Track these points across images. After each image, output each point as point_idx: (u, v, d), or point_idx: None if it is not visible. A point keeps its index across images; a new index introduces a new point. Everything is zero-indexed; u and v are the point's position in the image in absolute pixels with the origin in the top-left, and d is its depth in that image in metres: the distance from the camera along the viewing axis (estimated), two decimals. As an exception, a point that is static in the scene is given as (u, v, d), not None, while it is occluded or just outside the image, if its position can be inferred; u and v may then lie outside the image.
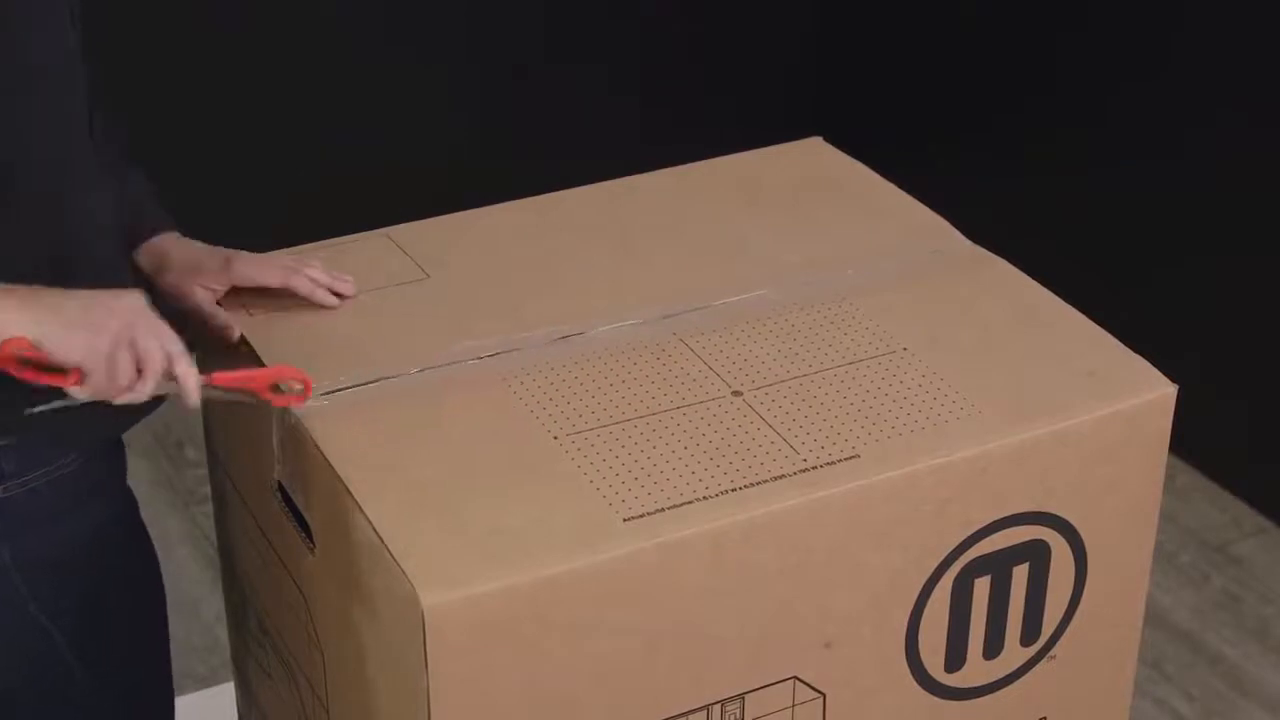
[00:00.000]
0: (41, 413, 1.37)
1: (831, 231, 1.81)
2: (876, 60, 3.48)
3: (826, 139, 2.05)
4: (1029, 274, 1.73)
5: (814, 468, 1.44)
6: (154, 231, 1.65)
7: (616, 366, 1.58)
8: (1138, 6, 2.85)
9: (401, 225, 1.81)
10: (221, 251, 1.65)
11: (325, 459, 1.45)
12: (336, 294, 1.65)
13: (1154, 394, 1.57)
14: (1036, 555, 1.54)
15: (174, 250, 1.64)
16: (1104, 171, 2.97)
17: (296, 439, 1.51)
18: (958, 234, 1.82)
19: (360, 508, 1.40)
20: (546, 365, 1.58)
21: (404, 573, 1.33)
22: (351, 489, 1.42)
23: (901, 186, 1.93)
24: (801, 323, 1.65)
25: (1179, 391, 1.57)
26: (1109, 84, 2.94)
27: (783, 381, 1.56)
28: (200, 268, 1.63)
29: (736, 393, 1.54)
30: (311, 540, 1.53)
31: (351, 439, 1.47)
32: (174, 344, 1.38)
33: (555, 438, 1.48)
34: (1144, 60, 2.87)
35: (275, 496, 1.58)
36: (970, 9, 3.22)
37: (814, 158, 2.00)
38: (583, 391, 1.54)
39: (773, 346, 1.61)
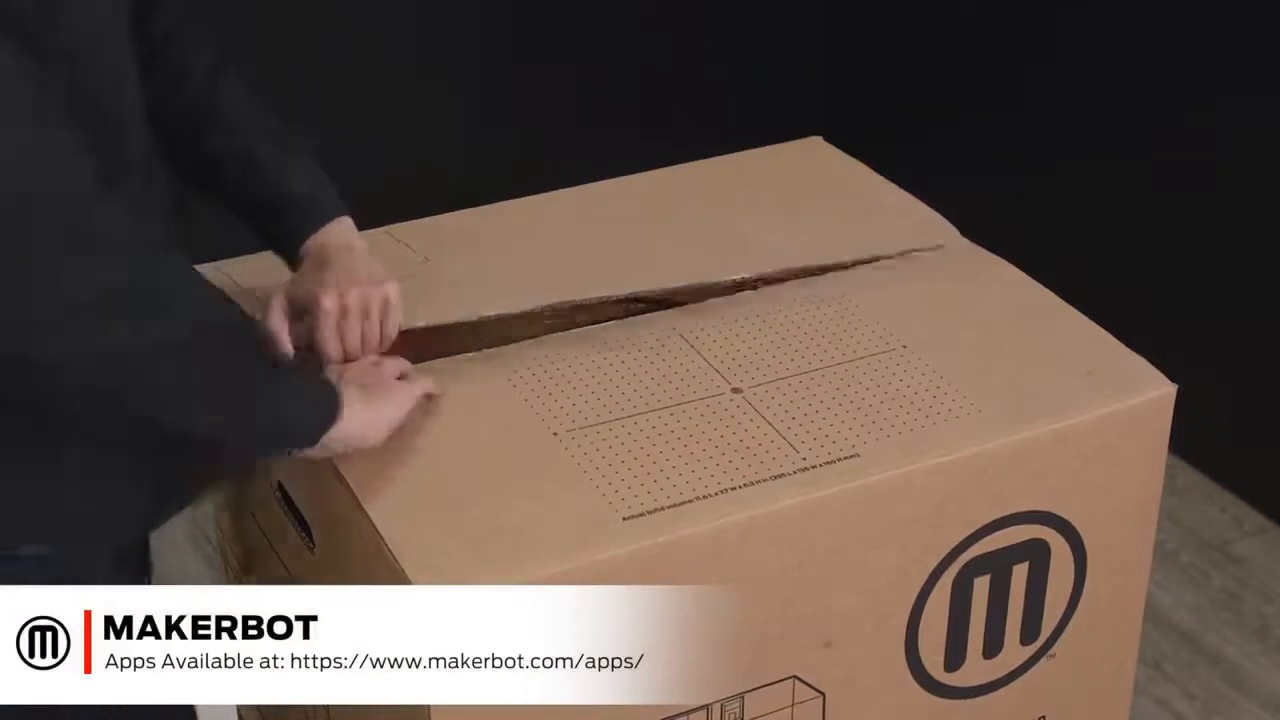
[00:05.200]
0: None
1: (831, 230, 1.81)
2: (876, 60, 3.48)
3: (826, 139, 2.05)
4: (1029, 274, 1.73)
5: (814, 466, 1.44)
6: (327, 218, 1.54)
7: (616, 361, 1.58)
8: (1138, 4, 2.85)
9: (401, 224, 1.81)
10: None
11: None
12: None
13: (1154, 393, 1.56)
14: (1036, 554, 1.54)
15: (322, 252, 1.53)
16: (1104, 171, 2.97)
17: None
18: (957, 233, 1.82)
19: (360, 505, 1.39)
20: (546, 359, 1.58)
21: (404, 571, 1.33)
22: (351, 485, 1.41)
23: (901, 186, 1.93)
24: (801, 319, 1.65)
25: (1179, 391, 1.57)
26: (1109, 83, 2.94)
27: (782, 379, 1.56)
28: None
29: (736, 390, 1.54)
30: (311, 540, 1.53)
31: None
32: None
33: (555, 434, 1.48)
34: (1144, 60, 2.87)
35: (275, 496, 1.58)
36: (970, 8, 3.21)
37: (814, 157, 2.00)
38: (582, 387, 1.54)
39: (771, 343, 1.61)
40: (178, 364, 1.26)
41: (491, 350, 1.59)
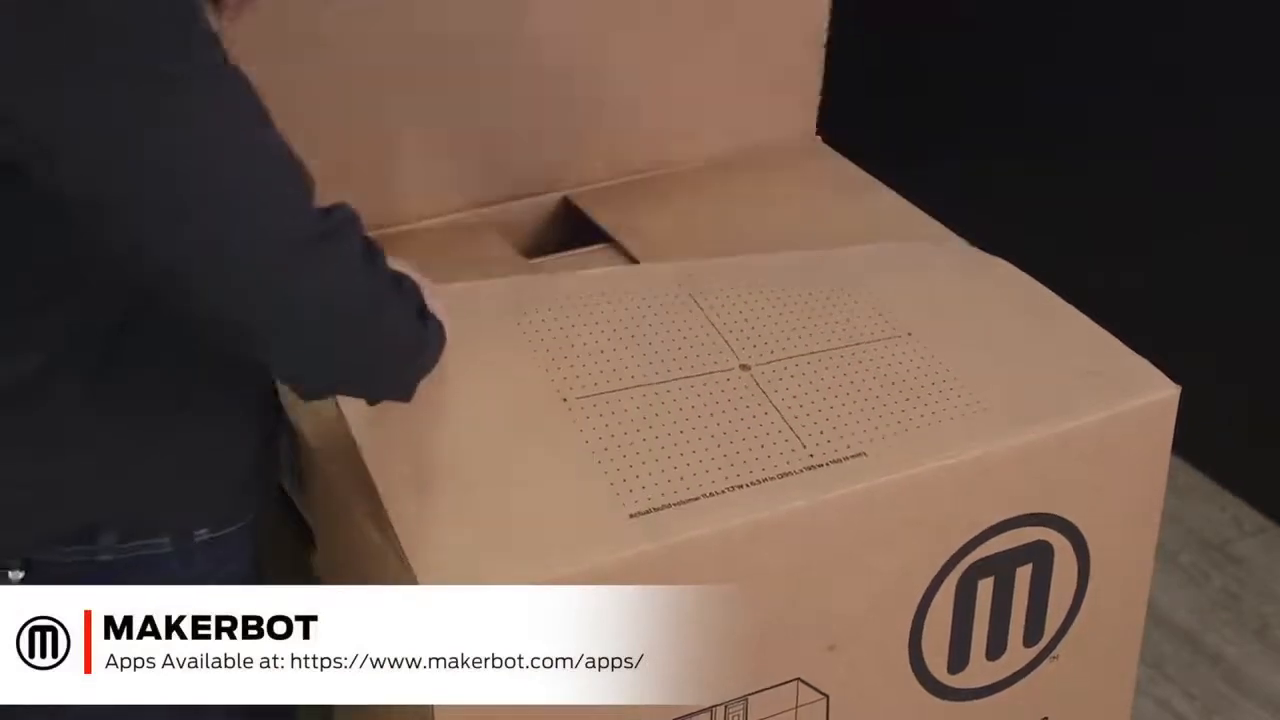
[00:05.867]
0: None
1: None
2: (876, 61, 3.48)
3: (826, 139, 2.04)
4: (1029, 274, 1.73)
5: (821, 465, 1.43)
6: None
7: (626, 317, 1.56)
8: (1138, 5, 2.84)
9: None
10: None
11: (347, 428, 1.43)
12: None
13: (1157, 395, 1.56)
14: (1040, 556, 1.54)
15: None
16: (1104, 172, 2.97)
17: (302, 442, 1.51)
18: (958, 238, 1.81)
19: (377, 498, 1.37)
20: (558, 307, 1.56)
21: (413, 570, 1.31)
22: (371, 471, 1.39)
23: (902, 187, 1.92)
24: (807, 294, 1.63)
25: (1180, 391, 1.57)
26: (1109, 84, 2.93)
27: (790, 358, 1.54)
28: None
29: (745, 366, 1.53)
30: (312, 539, 1.53)
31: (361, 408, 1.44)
32: None
33: (565, 400, 1.47)
34: (1144, 60, 2.86)
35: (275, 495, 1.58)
36: (971, 9, 3.21)
37: (813, 161, 2.00)
38: (593, 343, 1.53)
39: (780, 315, 1.59)
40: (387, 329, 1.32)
41: (501, 281, 1.56)
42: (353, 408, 1.43)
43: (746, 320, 1.59)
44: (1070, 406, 1.53)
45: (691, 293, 1.61)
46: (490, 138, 1.87)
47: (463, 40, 1.83)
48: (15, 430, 1.28)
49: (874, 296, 1.64)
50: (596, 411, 1.46)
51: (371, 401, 1.39)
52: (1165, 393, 1.56)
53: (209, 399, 1.33)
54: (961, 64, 3.27)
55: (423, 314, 1.38)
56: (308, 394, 1.33)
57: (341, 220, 1.23)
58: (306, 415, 1.50)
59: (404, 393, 1.39)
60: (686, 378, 1.51)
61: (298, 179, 1.20)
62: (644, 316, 1.57)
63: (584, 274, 1.63)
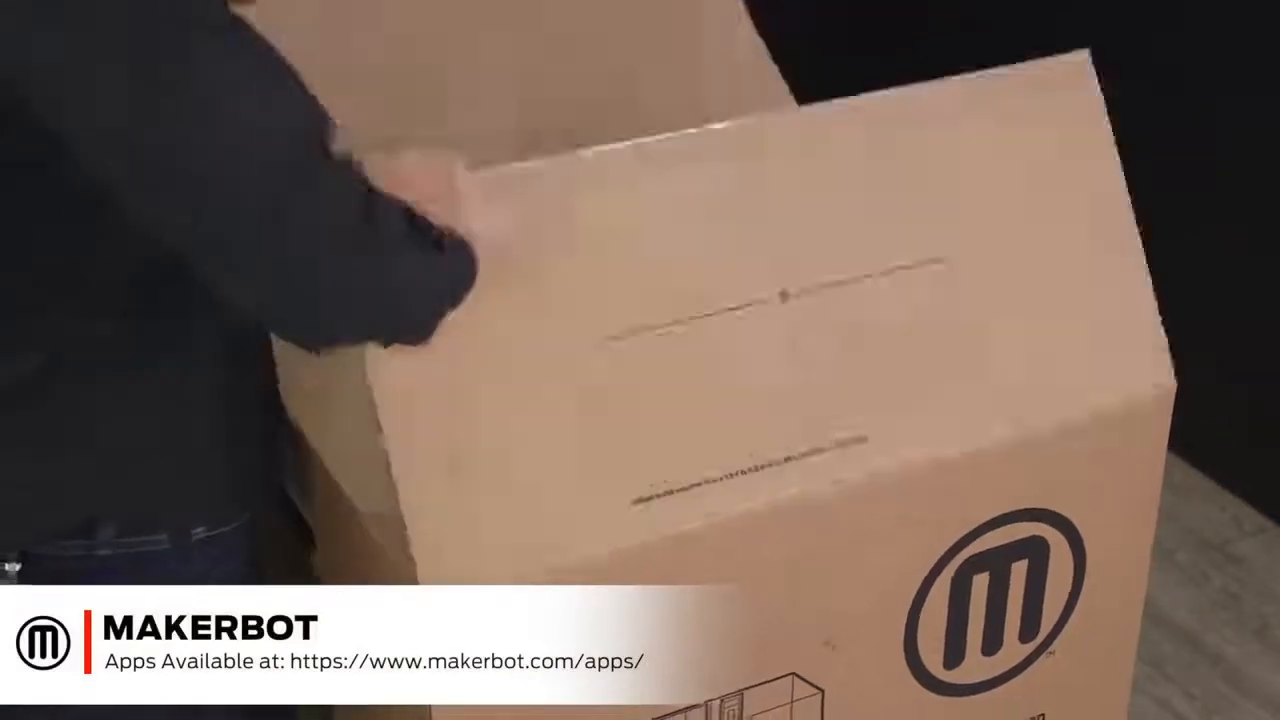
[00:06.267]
0: None
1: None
2: (876, 61, 3.48)
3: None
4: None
5: (822, 450, 1.42)
6: None
7: (677, 202, 1.44)
8: (1137, 5, 2.84)
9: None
10: None
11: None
12: None
13: (1153, 391, 1.56)
14: (1035, 552, 1.54)
15: None
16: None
17: (302, 442, 1.51)
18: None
19: (391, 486, 1.35)
20: (609, 187, 1.42)
21: (413, 561, 1.31)
22: (388, 447, 1.34)
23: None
24: (861, 185, 1.54)
25: (1179, 390, 1.57)
26: (1108, 84, 2.93)
27: (823, 288, 1.45)
28: None
29: (784, 294, 1.44)
30: (311, 539, 1.53)
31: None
32: None
33: (593, 343, 1.38)
34: (1143, 60, 2.86)
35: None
36: (970, 9, 3.21)
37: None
38: (639, 254, 1.41)
39: (830, 214, 1.49)
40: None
41: (542, 164, 1.42)
42: (382, 386, 1.33)
43: (795, 224, 1.47)
44: (1067, 401, 1.53)
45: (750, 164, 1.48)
46: (490, 138, 1.88)
47: (463, 42, 1.83)
48: (15, 430, 1.28)
49: (932, 193, 1.56)
50: (619, 361, 1.38)
51: (386, 344, 1.32)
52: (1162, 389, 1.56)
53: (209, 399, 1.34)
54: (961, 63, 3.27)
55: (439, 246, 1.27)
56: (308, 347, 1.27)
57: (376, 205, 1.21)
58: (306, 415, 1.50)
59: (420, 336, 1.30)
60: (723, 312, 1.41)
61: (314, 150, 1.18)
62: (697, 209, 1.44)
63: (640, 145, 1.43)
